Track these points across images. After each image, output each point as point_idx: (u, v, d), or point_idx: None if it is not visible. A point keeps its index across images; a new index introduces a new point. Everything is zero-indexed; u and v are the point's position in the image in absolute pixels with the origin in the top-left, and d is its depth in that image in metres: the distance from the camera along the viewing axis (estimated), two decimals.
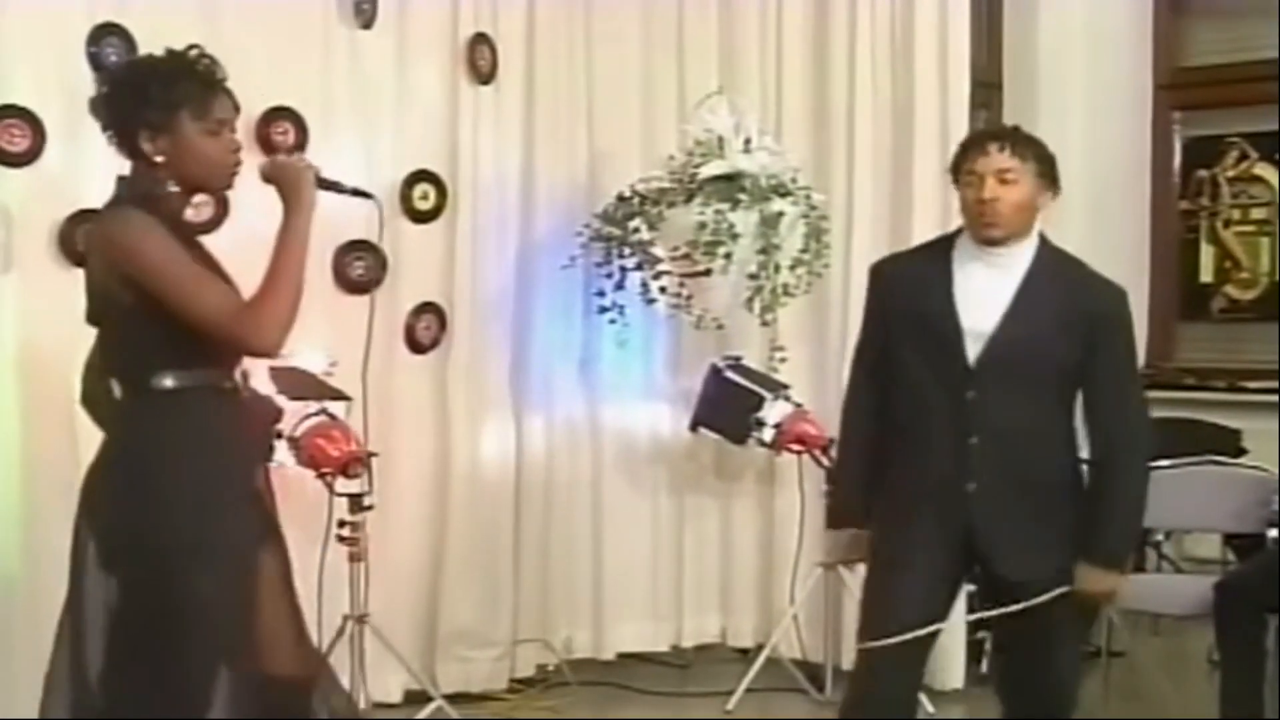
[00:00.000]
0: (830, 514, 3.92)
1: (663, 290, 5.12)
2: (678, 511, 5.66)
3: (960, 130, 4.89)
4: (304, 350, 4.28)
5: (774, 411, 5.10)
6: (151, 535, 2.75)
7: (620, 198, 5.14)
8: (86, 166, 4.22)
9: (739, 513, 5.68)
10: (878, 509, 3.47)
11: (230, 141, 2.90)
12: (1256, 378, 6.69)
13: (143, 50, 4.27)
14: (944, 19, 5.22)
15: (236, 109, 2.94)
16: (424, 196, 5.02)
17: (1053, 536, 3.30)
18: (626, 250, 5.09)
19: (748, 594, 5.67)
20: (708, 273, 5.02)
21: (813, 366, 5.30)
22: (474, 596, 5.09)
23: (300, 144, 4.68)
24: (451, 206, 5.06)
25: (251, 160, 2.99)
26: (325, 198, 2.95)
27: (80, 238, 4.20)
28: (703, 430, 5.32)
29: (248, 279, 2.90)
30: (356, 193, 3.11)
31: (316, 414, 4.39)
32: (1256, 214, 7.12)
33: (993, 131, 3.51)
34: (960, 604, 4.87)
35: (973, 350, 3.27)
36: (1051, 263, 3.34)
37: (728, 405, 5.20)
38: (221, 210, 4.25)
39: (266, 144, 4.57)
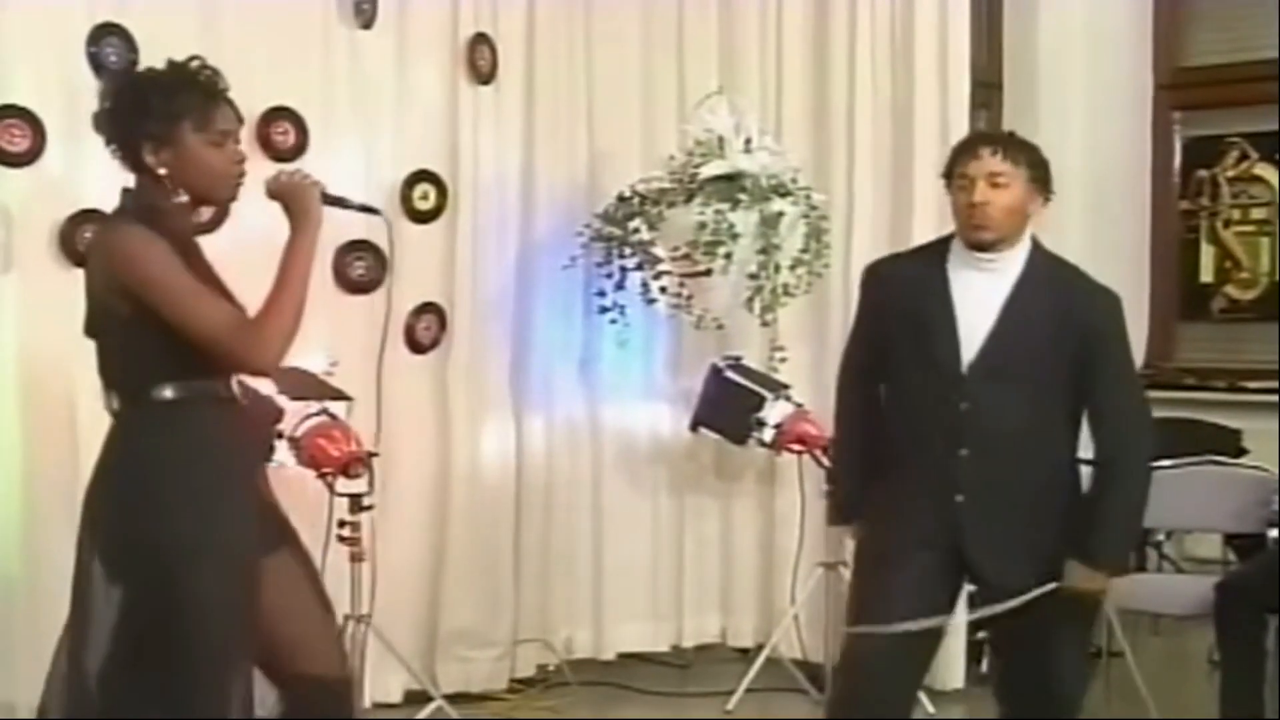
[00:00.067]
0: (831, 512, 3.91)
1: (663, 290, 5.12)
2: (678, 511, 5.66)
3: (960, 130, 4.90)
4: (304, 350, 4.28)
5: (774, 411, 5.10)
6: (153, 545, 2.74)
7: (620, 198, 5.14)
8: (87, 167, 4.22)
9: (739, 513, 5.68)
10: (868, 510, 3.47)
11: (234, 152, 2.89)
12: (1257, 378, 6.69)
13: (143, 50, 4.30)
14: (944, 19, 5.22)
15: (239, 120, 2.94)
16: (424, 196, 5.02)
17: (1044, 545, 3.28)
18: (627, 250, 5.10)
19: (748, 594, 5.67)
20: (708, 273, 5.02)
21: (813, 366, 5.30)
22: (474, 596, 5.09)
23: (300, 144, 4.68)
24: (452, 206, 5.06)
25: (252, 161, 2.98)
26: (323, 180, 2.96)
27: (80, 238, 4.22)
28: (703, 430, 5.32)
29: (247, 281, 2.90)
30: (364, 208, 3.12)
31: (317, 414, 4.39)
32: (1257, 214, 7.12)
33: (985, 135, 3.52)
34: (960, 604, 4.90)
35: (965, 357, 3.27)
36: (1044, 268, 3.33)
37: (728, 405, 5.20)
38: (221, 211, 4.24)
39: (267, 144, 4.57)
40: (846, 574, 4.70)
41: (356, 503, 4.36)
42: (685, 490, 5.65)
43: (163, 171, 2.82)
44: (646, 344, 5.52)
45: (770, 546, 5.55)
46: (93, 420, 4.11)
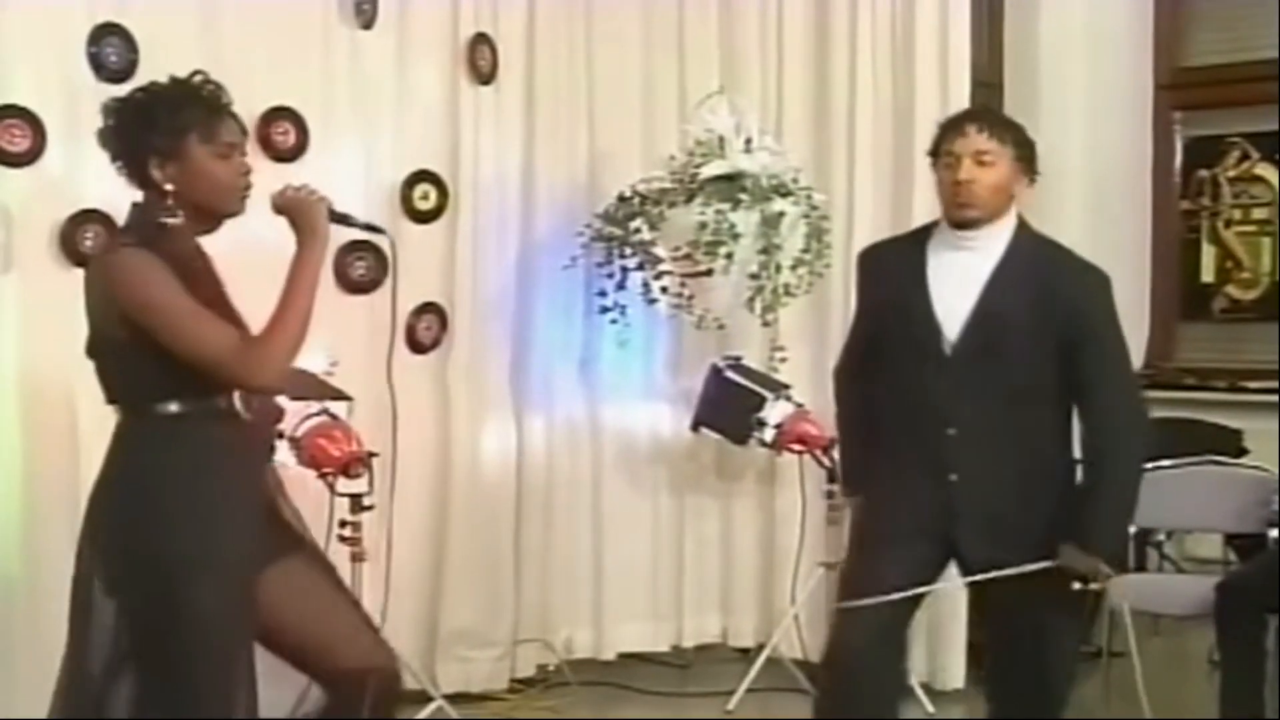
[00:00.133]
0: (843, 483, 3.95)
1: (664, 290, 5.12)
2: (678, 511, 5.66)
3: None
4: (304, 350, 4.26)
5: (775, 411, 5.10)
6: (154, 559, 2.74)
7: (621, 198, 5.14)
8: (87, 167, 4.21)
9: (740, 513, 5.68)
10: (869, 487, 3.48)
11: (240, 164, 2.89)
12: (1257, 378, 6.69)
13: (143, 50, 4.29)
14: (944, 19, 5.22)
15: (244, 132, 2.94)
16: (424, 196, 5.02)
17: (1036, 531, 3.27)
18: (628, 250, 5.10)
19: (748, 594, 5.67)
20: (709, 273, 5.02)
21: (814, 366, 5.29)
22: (474, 596, 5.09)
23: (300, 144, 4.68)
24: (452, 207, 5.06)
25: (253, 161, 2.98)
26: (330, 197, 2.95)
27: (81, 238, 4.23)
28: (704, 430, 5.32)
29: (250, 289, 2.92)
30: (369, 227, 3.12)
31: (317, 414, 4.39)
32: (1258, 214, 7.12)
33: (971, 113, 3.50)
34: (960, 605, 4.90)
35: (948, 337, 3.27)
36: (1029, 248, 3.31)
37: (729, 405, 5.20)
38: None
39: (267, 144, 4.57)
40: None
41: (357, 503, 4.36)
42: (686, 490, 5.65)
43: (169, 186, 2.82)
44: (647, 344, 5.52)
45: (771, 546, 5.55)
46: (93, 421, 4.11)
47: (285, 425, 4.34)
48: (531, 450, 5.30)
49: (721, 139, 5.05)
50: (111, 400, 2.88)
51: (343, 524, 4.35)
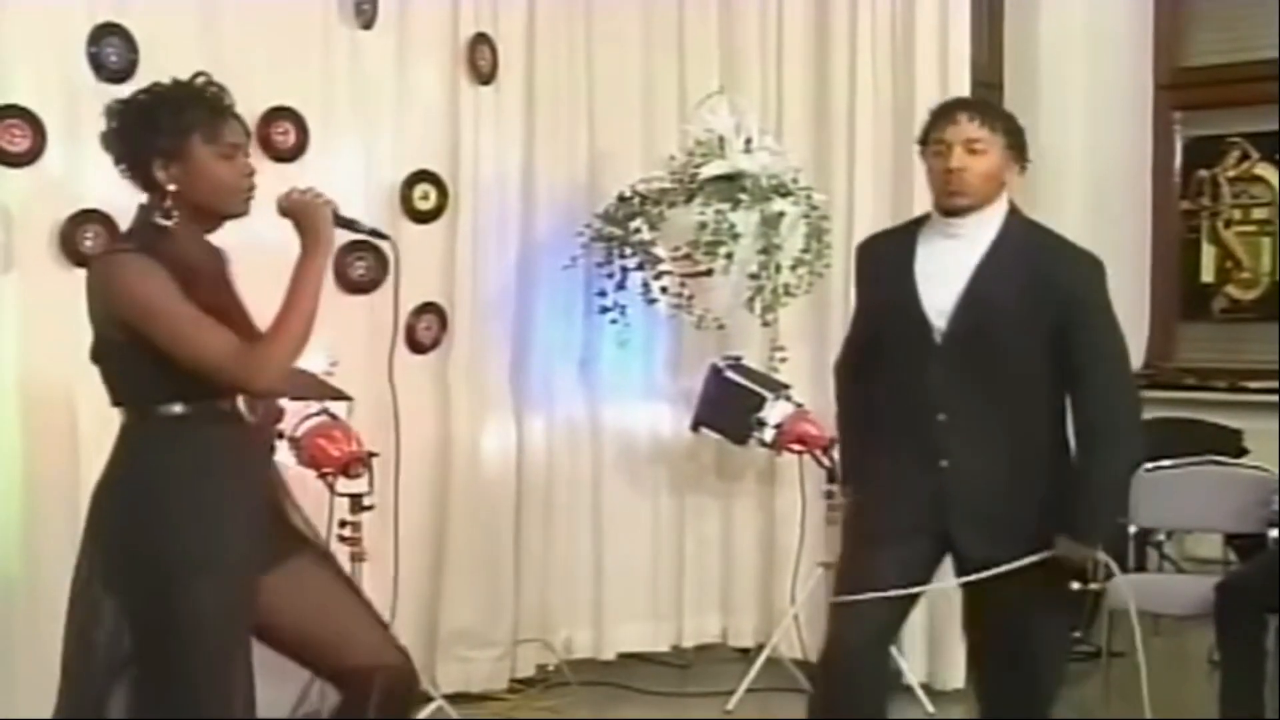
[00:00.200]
0: (842, 480, 3.97)
1: (664, 290, 5.12)
2: (678, 511, 5.66)
3: None
4: (305, 350, 4.27)
5: (775, 411, 5.10)
6: (153, 559, 2.75)
7: (621, 198, 5.14)
8: (87, 167, 4.22)
9: (740, 513, 5.68)
10: (863, 476, 3.48)
11: (244, 165, 2.89)
12: (1257, 378, 6.69)
13: (143, 50, 4.29)
14: (944, 19, 5.22)
15: (247, 133, 2.95)
16: (424, 196, 5.02)
17: (1029, 521, 3.25)
18: (627, 250, 5.10)
19: (748, 594, 5.67)
20: (709, 273, 5.02)
21: (813, 366, 5.29)
22: (474, 596, 5.09)
23: (300, 144, 4.68)
24: (452, 206, 5.06)
25: (254, 161, 2.99)
26: (335, 200, 2.95)
27: (81, 238, 4.23)
28: (704, 430, 5.32)
29: (249, 282, 2.92)
30: (373, 233, 3.10)
31: (317, 414, 4.39)
32: (1257, 214, 7.12)
33: (962, 101, 3.50)
34: (959, 605, 4.90)
35: (937, 325, 3.27)
36: (1019, 234, 3.31)
37: (728, 405, 5.20)
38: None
39: (267, 144, 4.56)
40: None
41: (357, 503, 4.36)
42: (685, 490, 5.65)
43: (172, 187, 2.81)
44: (647, 344, 5.52)
45: (771, 546, 5.55)
46: (93, 422, 4.12)
47: (285, 425, 4.33)
48: (531, 450, 5.30)
49: (721, 139, 5.05)
50: (116, 402, 2.88)
51: (343, 524, 4.35)
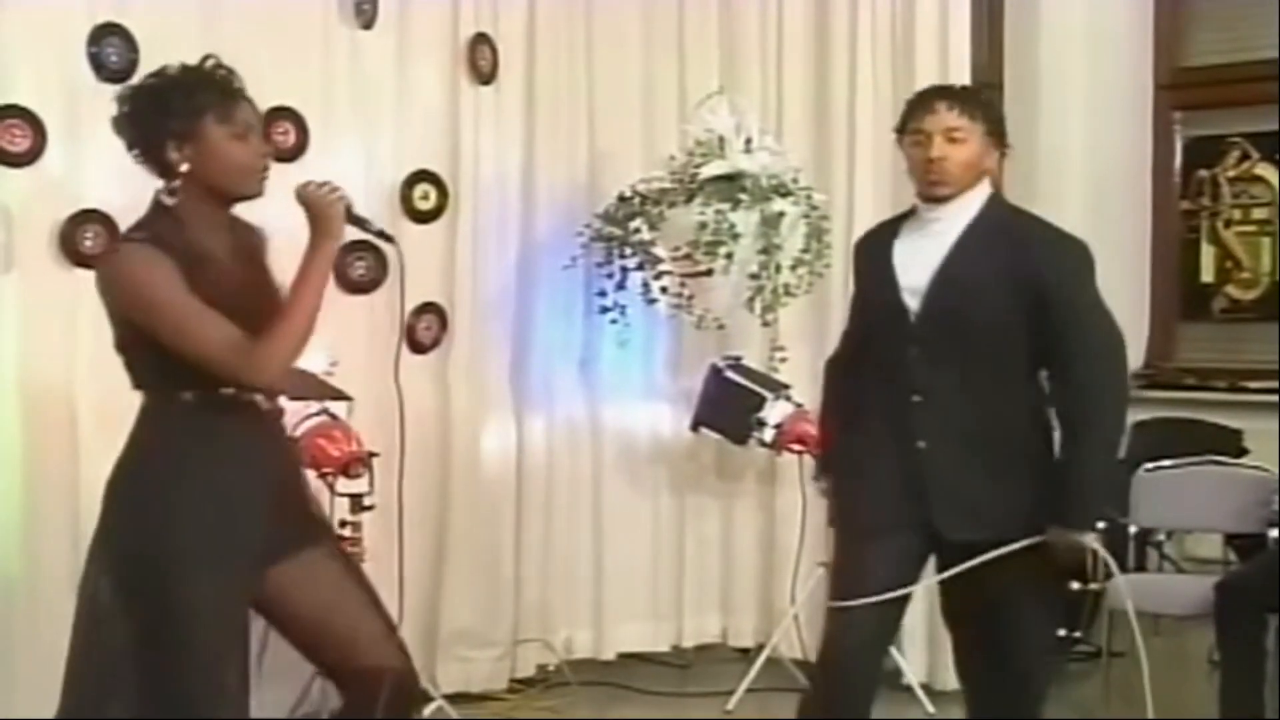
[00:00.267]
0: (817, 469, 3.98)
1: (664, 290, 5.12)
2: (678, 511, 5.66)
3: None
4: (305, 350, 4.27)
5: (775, 411, 5.10)
6: (155, 542, 2.75)
7: (621, 198, 5.14)
8: (87, 167, 4.23)
9: (740, 513, 5.68)
10: (843, 463, 3.48)
11: (257, 146, 2.88)
12: (1257, 378, 6.69)
13: (144, 50, 4.29)
14: (944, 19, 5.22)
15: (259, 116, 2.93)
16: (424, 196, 5.02)
17: (1007, 501, 3.23)
18: (627, 250, 5.10)
19: (748, 594, 5.67)
20: (709, 273, 5.02)
21: (813, 366, 5.25)
22: (474, 596, 5.09)
23: (301, 144, 4.68)
24: (452, 207, 5.06)
25: None
26: (351, 198, 2.96)
27: (81, 238, 4.24)
28: (704, 430, 5.32)
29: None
30: (381, 235, 3.09)
31: (317, 414, 4.39)
32: (1257, 214, 7.12)
33: (941, 90, 3.48)
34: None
35: (911, 306, 3.27)
36: (997, 216, 3.31)
37: (728, 405, 5.20)
38: None
39: (267, 144, 4.56)
40: None
41: (357, 503, 4.36)
42: (686, 490, 5.65)
43: (186, 167, 2.80)
44: (647, 344, 5.52)
45: (771, 546, 5.55)
46: (93, 420, 4.14)
47: (285, 425, 4.35)
48: (531, 450, 5.30)
49: (721, 139, 5.05)
50: (136, 386, 2.88)
51: (342, 524, 4.35)
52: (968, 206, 3.30)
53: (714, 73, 5.57)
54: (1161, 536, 5.87)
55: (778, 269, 5.01)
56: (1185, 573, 5.84)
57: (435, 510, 5.04)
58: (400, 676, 2.97)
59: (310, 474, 4.32)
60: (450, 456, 5.06)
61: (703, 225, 4.95)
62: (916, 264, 3.29)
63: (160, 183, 2.86)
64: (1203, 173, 7.21)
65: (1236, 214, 7.17)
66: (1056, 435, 3.34)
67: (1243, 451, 5.80)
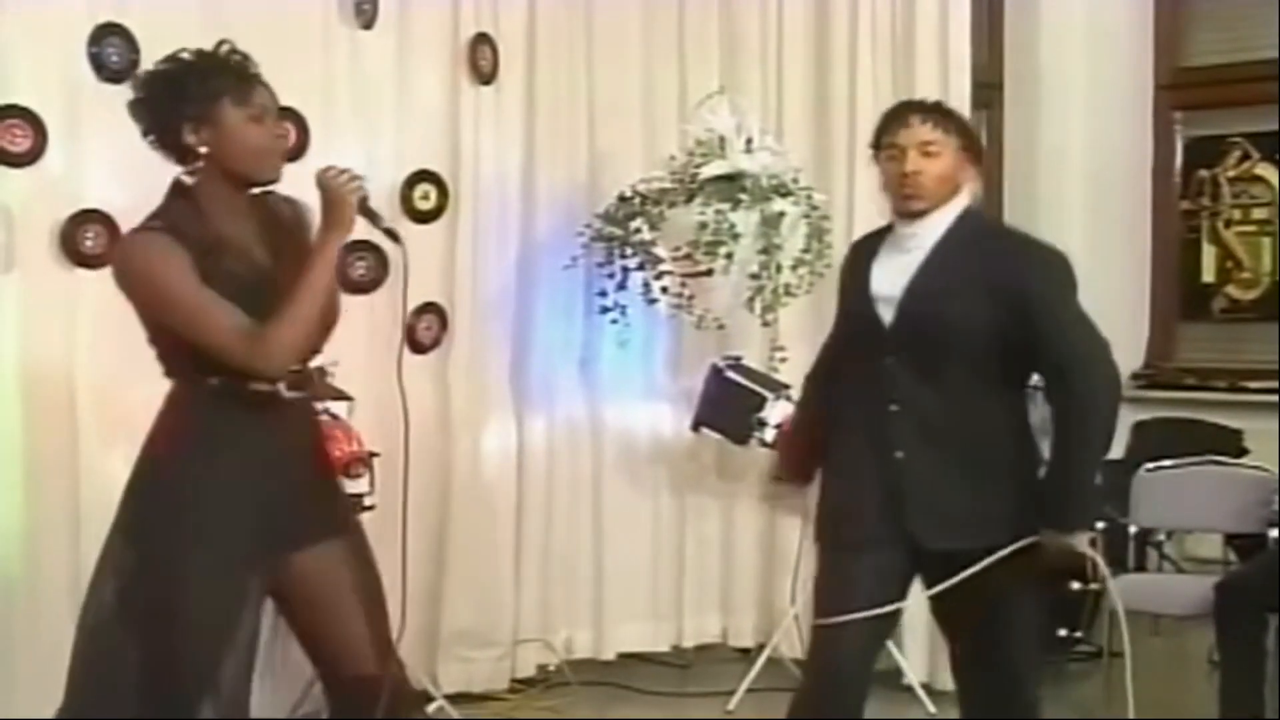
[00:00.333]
0: (775, 470, 3.99)
1: (664, 290, 5.12)
2: (679, 511, 5.66)
3: None
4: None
5: (775, 411, 5.09)
6: (164, 522, 2.76)
7: (621, 198, 5.14)
8: (88, 167, 4.23)
9: (740, 513, 5.68)
10: (825, 478, 3.47)
11: (275, 128, 2.89)
12: (1257, 378, 6.68)
13: (144, 50, 4.29)
14: (944, 19, 5.23)
15: (275, 100, 2.92)
16: (425, 196, 5.02)
17: (987, 508, 3.22)
18: (628, 250, 5.10)
19: (748, 594, 5.67)
20: (709, 273, 5.02)
21: None
22: (475, 596, 5.09)
23: (301, 144, 4.67)
24: (452, 206, 5.06)
25: None
26: (367, 189, 2.96)
27: (81, 238, 4.24)
28: (704, 430, 5.32)
29: None
30: (388, 232, 3.08)
31: (318, 414, 4.38)
32: (1258, 214, 7.12)
33: (913, 104, 3.48)
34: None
35: (884, 317, 3.28)
36: (972, 230, 3.30)
37: (729, 405, 5.20)
38: None
39: None
40: None
41: (357, 503, 4.36)
42: (686, 490, 5.65)
43: (204, 149, 2.80)
44: (647, 344, 5.52)
45: (771, 546, 5.56)
46: (93, 420, 4.14)
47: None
48: (532, 450, 5.30)
49: (722, 139, 5.05)
50: (167, 374, 2.88)
51: None
52: (943, 220, 3.30)
53: (714, 73, 5.58)
54: (1161, 536, 5.87)
55: (778, 269, 5.02)
56: (1185, 573, 5.84)
57: (435, 510, 5.04)
58: (392, 688, 2.92)
59: None
60: (450, 456, 5.06)
61: (703, 225, 4.95)
62: (890, 275, 3.30)
63: (168, 178, 2.86)
64: (1203, 173, 7.21)
65: (1237, 214, 7.16)
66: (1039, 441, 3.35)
67: (1243, 451, 5.80)
